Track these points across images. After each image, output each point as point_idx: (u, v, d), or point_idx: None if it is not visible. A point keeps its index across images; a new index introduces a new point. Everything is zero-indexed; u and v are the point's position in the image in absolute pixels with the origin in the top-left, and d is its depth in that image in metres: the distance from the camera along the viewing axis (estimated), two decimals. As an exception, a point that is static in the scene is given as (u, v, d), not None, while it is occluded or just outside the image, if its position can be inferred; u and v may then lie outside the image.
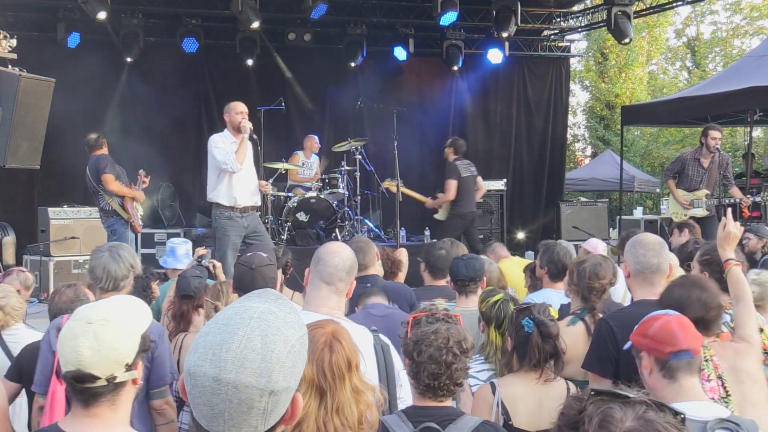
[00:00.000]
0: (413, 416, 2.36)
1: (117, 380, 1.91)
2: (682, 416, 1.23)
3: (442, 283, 4.59)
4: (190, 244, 5.88)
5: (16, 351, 3.72)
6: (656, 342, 2.40)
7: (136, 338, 1.98)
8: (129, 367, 1.94)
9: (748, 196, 8.81)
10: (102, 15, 9.84)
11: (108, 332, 1.91)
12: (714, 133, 8.32)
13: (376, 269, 4.66)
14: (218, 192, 7.04)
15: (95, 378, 1.89)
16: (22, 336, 3.87)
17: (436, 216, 9.43)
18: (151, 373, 3.14)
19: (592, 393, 1.26)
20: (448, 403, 2.46)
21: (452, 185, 8.92)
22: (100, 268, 3.40)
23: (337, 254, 2.76)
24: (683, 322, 2.47)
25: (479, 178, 9.38)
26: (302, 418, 1.79)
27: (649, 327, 2.46)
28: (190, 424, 1.30)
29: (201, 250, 5.34)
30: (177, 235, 10.99)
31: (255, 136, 7.15)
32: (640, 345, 2.47)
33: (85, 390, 1.91)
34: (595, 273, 3.57)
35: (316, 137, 11.00)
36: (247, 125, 6.93)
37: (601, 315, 3.50)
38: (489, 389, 2.88)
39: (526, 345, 2.87)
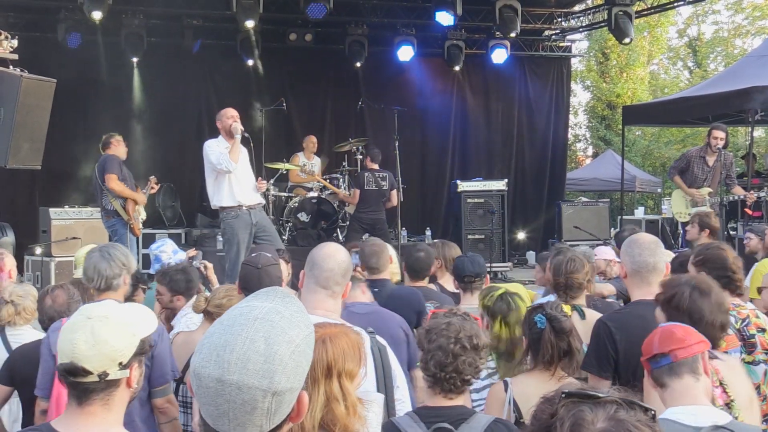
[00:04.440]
0: (425, 416, 2.34)
1: (109, 377, 1.93)
2: (653, 412, 1.24)
3: (421, 284, 4.60)
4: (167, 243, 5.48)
5: None
6: (643, 354, 2.35)
7: (133, 339, 1.98)
8: (122, 367, 1.95)
9: (752, 192, 8.82)
10: (97, 15, 9.77)
11: (105, 328, 1.93)
12: (716, 133, 8.35)
13: (389, 273, 4.52)
14: (221, 196, 7.02)
15: (87, 372, 1.90)
16: (26, 337, 3.83)
17: (346, 208, 10.35)
18: (152, 372, 3.15)
19: (563, 395, 1.27)
20: (460, 401, 2.44)
21: (355, 194, 9.50)
22: (91, 268, 3.41)
23: (333, 258, 2.75)
24: (667, 328, 2.37)
25: (393, 192, 9.39)
26: None
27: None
28: (198, 422, 1.32)
29: (192, 252, 5.27)
30: (178, 235, 11.02)
31: (247, 135, 7.15)
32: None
33: (77, 385, 1.93)
34: (560, 268, 3.59)
35: (314, 138, 11.00)
36: (238, 127, 6.97)
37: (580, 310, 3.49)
38: (501, 387, 2.88)
39: (540, 342, 2.86)
